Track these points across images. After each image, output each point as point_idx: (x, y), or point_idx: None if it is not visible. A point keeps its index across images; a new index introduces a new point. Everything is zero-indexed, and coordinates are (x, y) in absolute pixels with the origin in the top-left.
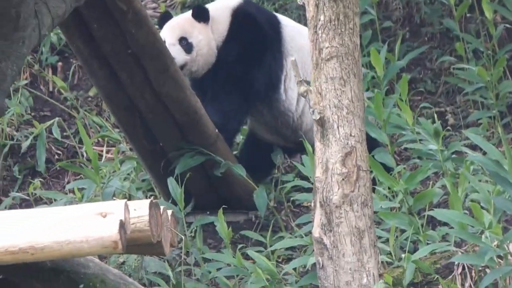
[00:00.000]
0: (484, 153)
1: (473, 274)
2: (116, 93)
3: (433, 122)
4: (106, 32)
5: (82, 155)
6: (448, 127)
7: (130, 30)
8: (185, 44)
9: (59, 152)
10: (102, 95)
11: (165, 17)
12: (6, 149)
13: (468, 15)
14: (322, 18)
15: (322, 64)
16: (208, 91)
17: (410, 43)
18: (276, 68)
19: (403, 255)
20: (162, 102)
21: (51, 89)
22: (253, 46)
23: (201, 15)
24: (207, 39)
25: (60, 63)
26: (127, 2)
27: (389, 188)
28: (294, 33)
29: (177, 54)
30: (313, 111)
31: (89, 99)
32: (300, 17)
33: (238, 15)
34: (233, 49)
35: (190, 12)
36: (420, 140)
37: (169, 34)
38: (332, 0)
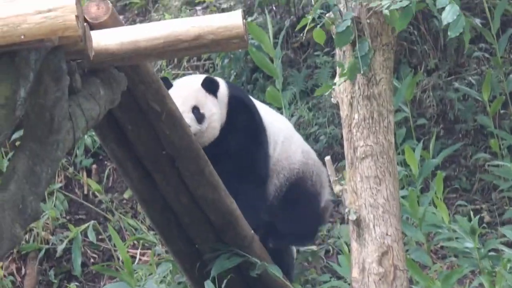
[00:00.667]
0: None
1: None
2: (151, 195)
3: (469, 219)
4: (140, 134)
5: (118, 258)
6: (484, 225)
7: (164, 131)
8: (198, 113)
9: (94, 255)
10: (137, 197)
11: (164, 82)
12: (41, 253)
13: (502, 111)
14: (356, 116)
15: (357, 163)
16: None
17: (444, 140)
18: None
19: None
20: (197, 204)
21: (86, 192)
22: (253, 131)
23: (212, 88)
24: (219, 113)
25: (94, 166)
26: (160, 103)
27: None
28: (267, 115)
29: (192, 122)
30: (348, 211)
31: (124, 201)
32: (334, 116)
33: (233, 99)
34: (238, 136)
35: (197, 80)
36: (457, 238)
37: (182, 101)
38: (366, 98)
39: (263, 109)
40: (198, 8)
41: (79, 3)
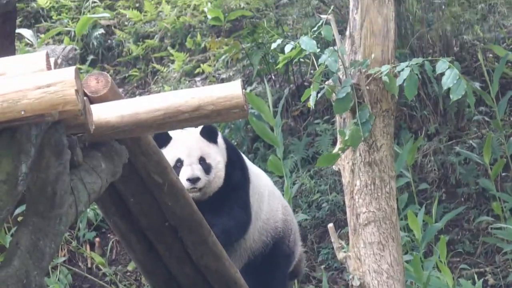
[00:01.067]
0: None
1: None
2: (155, 267)
3: (474, 283)
4: (142, 206)
5: None
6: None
7: (167, 202)
8: (204, 164)
9: None
10: (141, 269)
11: (165, 137)
12: None
13: (503, 174)
14: (358, 183)
15: (360, 229)
16: (209, 212)
17: (446, 204)
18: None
19: None
20: (201, 274)
21: (89, 265)
22: (245, 180)
23: (213, 136)
24: (223, 162)
25: (97, 239)
26: (162, 174)
27: None
28: (252, 166)
29: (201, 174)
30: (352, 277)
31: (128, 273)
32: (336, 183)
33: (230, 148)
34: (236, 177)
35: (196, 130)
36: None
37: (188, 153)
38: (368, 165)
39: (247, 160)
40: (197, 79)
41: (78, 77)
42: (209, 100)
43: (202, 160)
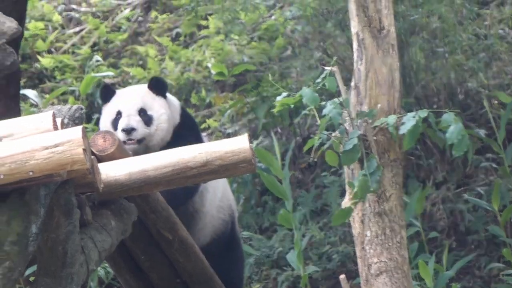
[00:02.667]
0: None
1: None
2: None
3: None
4: (153, 263)
5: None
6: None
7: (178, 259)
8: (145, 116)
9: None
10: None
11: (107, 89)
12: None
13: None
14: (368, 233)
15: (372, 280)
16: None
17: (457, 252)
18: None
19: None
20: None
21: None
22: (200, 138)
23: (160, 88)
24: (167, 114)
25: None
26: (172, 231)
27: None
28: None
29: (138, 126)
30: None
31: None
32: (346, 234)
33: (185, 111)
34: (188, 137)
35: (144, 86)
36: None
37: (126, 104)
38: (378, 215)
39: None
40: (203, 134)
41: (86, 136)
42: (217, 155)
43: (142, 112)
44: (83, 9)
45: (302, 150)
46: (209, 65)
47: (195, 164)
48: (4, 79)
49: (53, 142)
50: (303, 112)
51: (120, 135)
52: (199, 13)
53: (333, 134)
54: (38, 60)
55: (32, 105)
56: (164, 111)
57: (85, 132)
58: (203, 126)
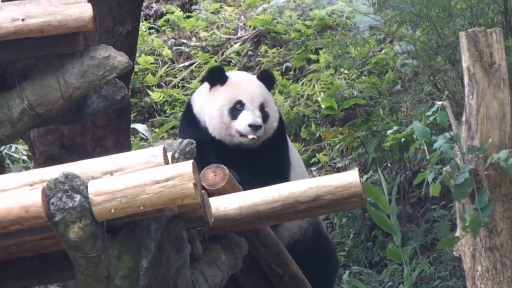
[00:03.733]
0: None
1: None
2: None
3: None
4: None
5: None
6: None
7: None
8: (263, 112)
9: None
10: None
11: (220, 71)
12: None
13: None
14: (479, 268)
15: None
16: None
17: None
18: None
19: None
20: None
21: None
22: (286, 141)
23: (271, 83)
24: (278, 112)
25: None
26: (283, 265)
27: None
28: None
29: (260, 122)
30: None
31: None
32: (456, 268)
33: (281, 116)
34: (282, 135)
35: (252, 75)
36: None
37: (249, 96)
38: (489, 250)
39: None
40: (313, 168)
41: (196, 171)
42: (327, 190)
43: (261, 107)
44: (192, 43)
45: (411, 184)
46: (319, 99)
47: (305, 199)
48: (115, 113)
49: (164, 177)
50: (414, 146)
51: (242, 128)
52: (308, 47)
53: (444, 169)
54: (148, 94)
55: (142, 139)
56: (276, 108)
57: (195, 167)
58: (312, 160)
